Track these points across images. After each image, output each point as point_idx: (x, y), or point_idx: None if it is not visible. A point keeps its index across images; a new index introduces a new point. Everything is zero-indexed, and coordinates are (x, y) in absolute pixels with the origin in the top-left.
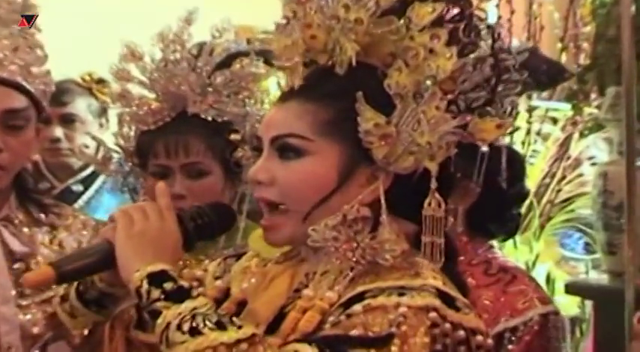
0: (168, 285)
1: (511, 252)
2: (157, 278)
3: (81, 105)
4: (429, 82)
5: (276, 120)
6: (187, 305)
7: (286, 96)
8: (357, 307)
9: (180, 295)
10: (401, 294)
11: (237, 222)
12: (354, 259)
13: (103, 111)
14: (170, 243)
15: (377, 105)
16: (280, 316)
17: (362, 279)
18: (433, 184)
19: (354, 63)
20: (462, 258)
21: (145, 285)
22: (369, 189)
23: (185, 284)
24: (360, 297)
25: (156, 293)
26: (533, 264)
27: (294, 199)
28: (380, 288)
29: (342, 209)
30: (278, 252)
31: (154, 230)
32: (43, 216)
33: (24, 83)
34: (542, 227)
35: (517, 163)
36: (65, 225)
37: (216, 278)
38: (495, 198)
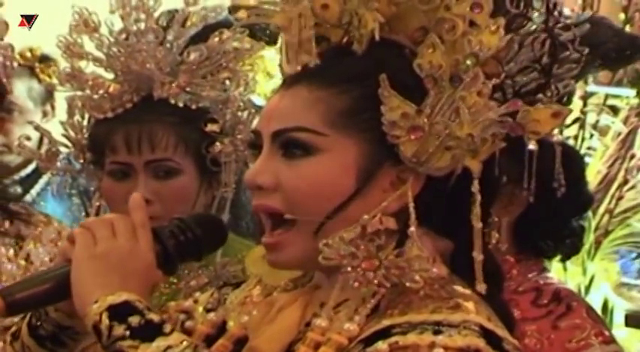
0: (134, 320)
1: (559, 275)
2: (119, 312)
3: (19, 90)
4: (469, 62)
5: (279, 110)
6: (159, 344)
7: (292, 81)
8: (382, 345)
9: (149, 331)
10: (437, 332)
11: (227, 237)
12: (376, 281)
13: (47, 97)
14: (140, 267)
15: (405, 90)
16: None
17: (389, 310)
18: (475, 188)
19: (377, 38)
20: (505, 283)
21: (106, 320)
22: (394, 194)
23: (155, 317)
24: (386, 333)
25: (119, 329)
26: (587, 288)
27: (303, 208)
28: (411, 323)
29: (361, 219)
30: (285, 276)
31: (121, 251)
32: (7, 224)
33: None
34: (598, 243)
35: (574, 163)
36: (34, 234)
37: (208, 310)
38: (548, 207)
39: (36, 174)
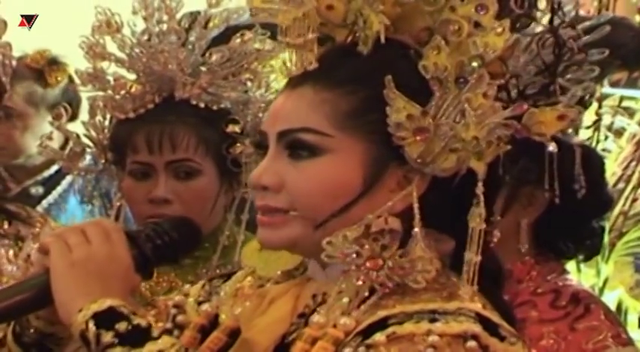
0: (121, 326)
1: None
2: (105, 319)
3: (18, 96)
4: (474, 63)
5: (285, 111)
6: (150, 349)
7: (297, 81)
8: (380, 336)
9: (138, 337)
10: (433, 320)
11: (201, 241)
12: (379, 280)
13: (61, 97)
14: (120, 271)
15: (410, 92)
16: (282, 347)
17: (384, 302)
18: (479, 189)
19: (382, 39)
20: (524, 284)
21: (92, 328)
22: (400, 195)
23: (142, 322)
24: (382, 324)
25: (107, 336)
26: (601, 290)
27: (308, 207)
28: (406, 313)
29: (366, 218)
30: (278, 268)
31: (98, 256)
32: (6, 225)
33: None
34: (612, 245)
35: (594, 164)
36: (34, 234)
37: (200, 303)
38: (569, 208)
39: (59, 175)
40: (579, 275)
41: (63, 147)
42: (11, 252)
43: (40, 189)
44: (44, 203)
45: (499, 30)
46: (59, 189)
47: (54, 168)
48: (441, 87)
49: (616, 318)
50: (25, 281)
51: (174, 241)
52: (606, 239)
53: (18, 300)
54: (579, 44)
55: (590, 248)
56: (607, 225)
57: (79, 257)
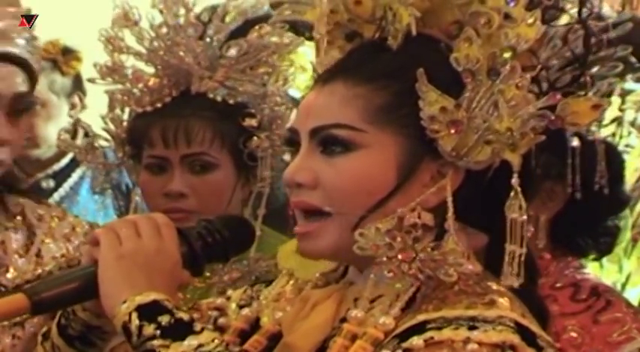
0: (164, 319)
1: (595, 273)
2: (149, 311)
3: (40, 84)
4: (506, 55)
5: (316, 107)
6: (191, 343)
7: (327, 77)
8: (417, 340)
9: (180, 330)
10: (472, 327)
11: (255, 239)
12: (410, 272)
13: (75, 87)
14: (167, 266)
15: (442, 85)
16: (322, 350)
17: (423, 306)
18: (515, 181)
19: (414, 31)
20: (542, 279)
21: (136, 320)
22: (434, 188)
23: (185, 316)
24: (421, 328)
25: (149, 329)
26: (623, 286)
27: (344, 204)
28: (446, 319)
29: (398, 211)
30: (316, 270)
31: (148, 250)
32: (19, 218)
33: (29, 60)
34: (635, 241)
35: (615, 162)
36: (47, 228)
37: (241, 307)
38: (588, 205)
39: (69, 168)
40: (602, 271)
41: (73, 138)
42: (23, 246)
43: (51, 183)
44: (56, 196)
45: (530, 21)
46: (70, 181)
47: (64, 161)
48: (473, 79)
49: (638, 310)
50: (73, 271)
51: (225, 240)
52: (629, 235)
53: (64, 290)
54: (606, 36)
55: (604, 246)
56: (629, 222)
57: (128, 249)
